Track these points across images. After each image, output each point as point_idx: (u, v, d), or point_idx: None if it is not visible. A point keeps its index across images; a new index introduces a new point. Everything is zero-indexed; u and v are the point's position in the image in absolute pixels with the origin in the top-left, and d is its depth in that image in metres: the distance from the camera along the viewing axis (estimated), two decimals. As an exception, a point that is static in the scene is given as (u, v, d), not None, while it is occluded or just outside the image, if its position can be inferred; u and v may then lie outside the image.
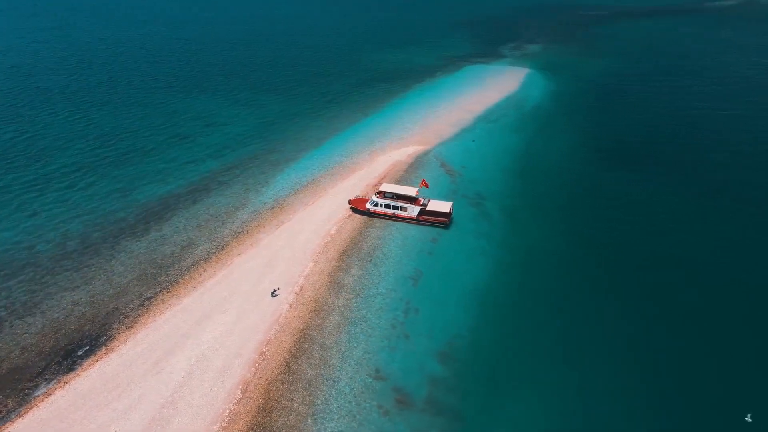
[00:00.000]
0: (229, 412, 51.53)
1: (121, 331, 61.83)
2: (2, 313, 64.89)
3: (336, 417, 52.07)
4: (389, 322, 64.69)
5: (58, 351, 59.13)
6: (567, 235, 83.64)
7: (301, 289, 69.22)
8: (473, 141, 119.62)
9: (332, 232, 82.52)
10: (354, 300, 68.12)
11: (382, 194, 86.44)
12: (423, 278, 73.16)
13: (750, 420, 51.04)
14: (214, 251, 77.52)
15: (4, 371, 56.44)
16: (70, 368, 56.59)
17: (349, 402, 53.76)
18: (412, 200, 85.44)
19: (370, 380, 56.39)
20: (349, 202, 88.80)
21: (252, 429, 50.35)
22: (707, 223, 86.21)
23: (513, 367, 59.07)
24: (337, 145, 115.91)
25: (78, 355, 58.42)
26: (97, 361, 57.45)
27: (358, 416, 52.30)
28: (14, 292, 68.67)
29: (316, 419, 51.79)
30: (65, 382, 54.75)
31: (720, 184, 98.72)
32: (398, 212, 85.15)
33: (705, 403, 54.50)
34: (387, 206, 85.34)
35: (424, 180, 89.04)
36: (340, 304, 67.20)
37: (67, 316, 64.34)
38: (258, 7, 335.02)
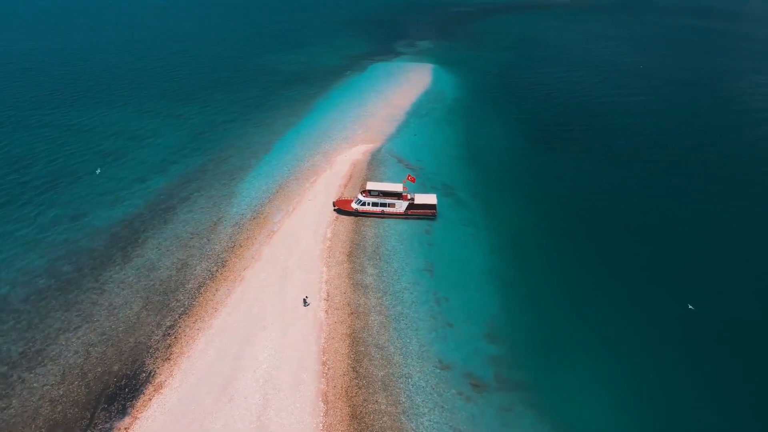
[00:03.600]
0: (323, 425, 50.12)
1: (159, 365, 56.70)
2: (1, 369, 56.10)
3: (426, 411, 52.80)
4: (427, 314, 66.15)
5: (97, 397, 52.90)
6: (537, 211, 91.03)
7: (328, 295, 68.09)
8: (415, 135, 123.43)
9: (328, 235, 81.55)
10: (384, 298, 68.51)
11: (368, 193, 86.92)
12: (436, 268, 75.34)
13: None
14: (215, 269, 73.10)
15: (43, 429, 49.33)
16: (123, 412, 51.07)
17: (430, 395, 54.69)
18: (399, 196, 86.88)
19: (438, 371, 57.67)
20: (334, 204, 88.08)
21: (354, 437, 49.49)
22: (631, 183, 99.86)
23: (552, 336, 63.73)
24: (286, 150, 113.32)
25: (123, 398, 52.80)
26: (150, 399, 52.37)
27: (445, 406, 53.50)
28: (3, 344, 59.69)
29: (408, 417, 52.13)
30: (125, 429, 49.35)
31: (634, 154, 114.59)
32: (387, 209, 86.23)
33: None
34: (375, 204, 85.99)
35: (410, 175, 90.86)
36: (373, 304, 67.24)
37: (85, 359, 57.48)
38: (126, 14, 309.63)
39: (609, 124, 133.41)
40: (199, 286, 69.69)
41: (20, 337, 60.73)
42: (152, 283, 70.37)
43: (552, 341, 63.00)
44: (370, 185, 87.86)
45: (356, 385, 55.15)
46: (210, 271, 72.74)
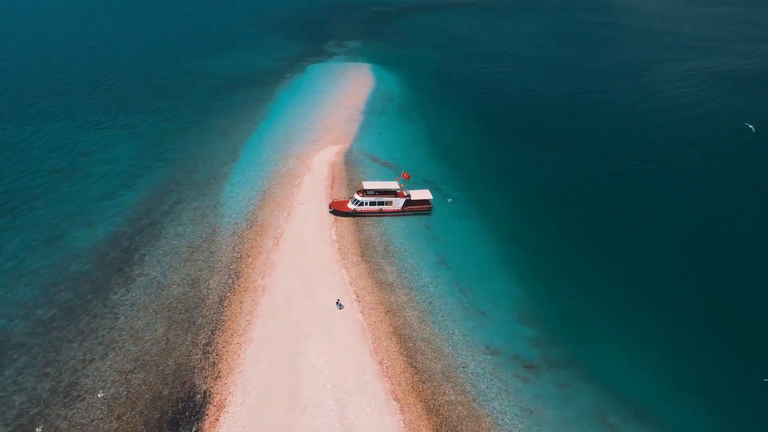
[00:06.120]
0: (405, 423, 50.32)
1: (211, 384, 54.04)
2: (34, 409, 51.08)
3: (494, 396, 54.45)
4: (458, 305, 67.79)
5: (158, 425, 49.64)
6: (522, 199, 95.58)
7: (357, 296, 67.79)
8: (380, 134, 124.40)
9: (334, 237, 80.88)
10: (412, 294, 69.35)
11: (364, 192, 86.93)
12: (449, 261, 77.19)
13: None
14: (230, 281, 70.28)
15: (111, 468, 45.64)
16: (193, 438, 48.27)
17: (492, 380, 56.39)
18: (395, 193, 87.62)
19: (490, 357, 59.49)
20: (330, 206, 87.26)
21: (437, 430, 50.13)
22: (588, 164, 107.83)
23: (575, 313, 67.52)
24: (255, 155, 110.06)
25: (187, 421, 49.95)
26: (217, 419, 49.96)
27: (509, 389, 55.45)
28: (25, 382, 54.20)
29: (479, 403, 53.51)
30: (203, 454, 46.77)
31: (588, 142, 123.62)
32: (385, 207, 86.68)
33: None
34: (373, 203, 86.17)
35: (405, 172, 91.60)
36: (403, 301, 67.84)
37: (128, 388, 53.55)
38: (29, 19, 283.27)
39: (557, 115, 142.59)
40: (221, 299, 66.78)
41: (41, 372, 55.35)
42: (168, 301, 66.45)
43: (577, 318, 66.79)
44: (366, 185, 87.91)
45: (420, 380, 55.65)
46: (226, 283, 69.84)
